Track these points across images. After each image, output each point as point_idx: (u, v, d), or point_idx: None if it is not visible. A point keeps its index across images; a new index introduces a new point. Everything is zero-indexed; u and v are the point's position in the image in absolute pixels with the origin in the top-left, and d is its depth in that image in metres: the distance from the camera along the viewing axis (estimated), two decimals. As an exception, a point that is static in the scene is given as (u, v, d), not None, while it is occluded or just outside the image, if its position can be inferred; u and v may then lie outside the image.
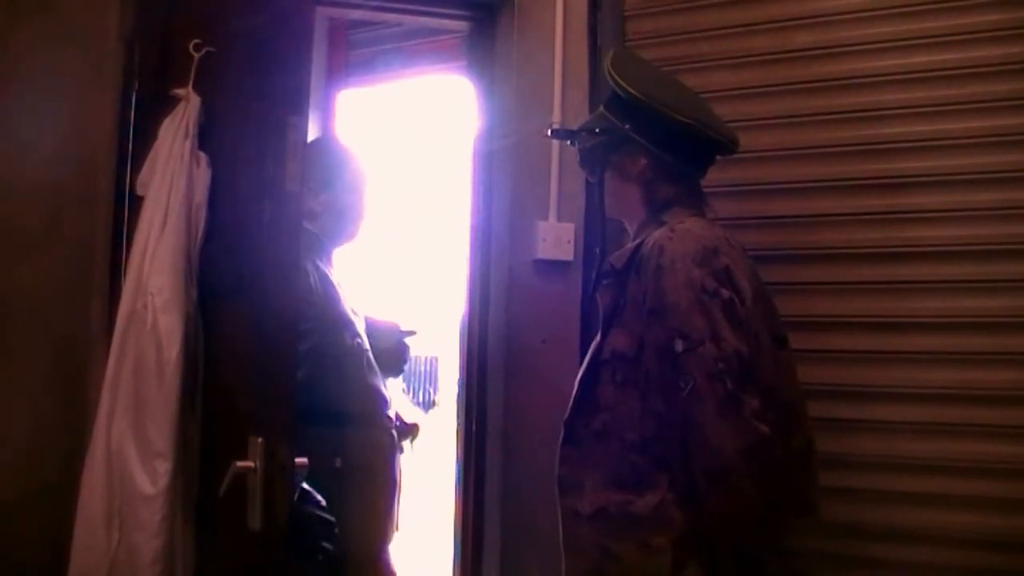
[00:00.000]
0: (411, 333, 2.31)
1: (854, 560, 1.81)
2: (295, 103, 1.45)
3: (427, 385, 12.23)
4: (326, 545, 1.65)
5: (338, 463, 1.91)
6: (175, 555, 1.50)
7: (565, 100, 2.18)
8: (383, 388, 2.13)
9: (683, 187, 1.66)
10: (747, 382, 1.42)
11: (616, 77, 1.62)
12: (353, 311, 2.10)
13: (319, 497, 1.67)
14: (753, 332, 1.51)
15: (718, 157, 1.69)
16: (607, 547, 1.50)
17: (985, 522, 1.74)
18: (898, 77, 1.89)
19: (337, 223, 2.11)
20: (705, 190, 1.71)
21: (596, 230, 1.72)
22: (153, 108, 1.71)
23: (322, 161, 2.09)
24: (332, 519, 1.68)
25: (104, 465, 1.54)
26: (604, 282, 1.62)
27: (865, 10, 1.93)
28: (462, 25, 2.34)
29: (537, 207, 2.17)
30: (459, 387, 2.31)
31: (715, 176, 1.71)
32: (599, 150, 1.70)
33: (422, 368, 12.08)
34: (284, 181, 1.42)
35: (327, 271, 2.07)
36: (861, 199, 1.91)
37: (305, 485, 1.62)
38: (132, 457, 1.51)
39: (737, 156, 1.71)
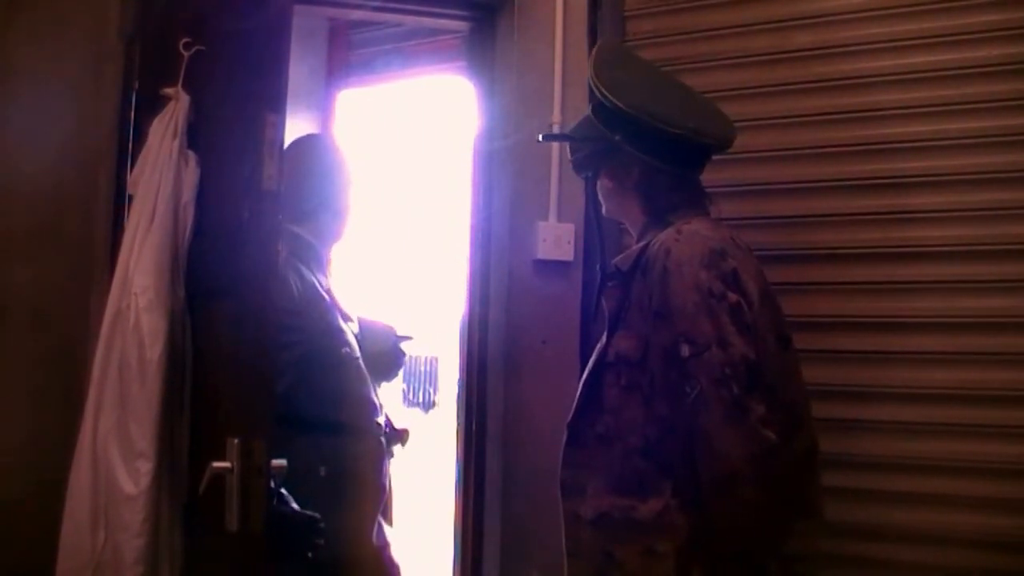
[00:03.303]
0: (407, 338, 2.27)
1: (854, 560, 1.81)
2: (273, 100, 1.44)
3: (427, 385, 12.25)
4: (317, 542, 1.64)
5: (323, 472, 1.89)
6: (159, 555, 1.48)
7: (565, 100, 2.17)
8: (373, 396, 2.07)
9: (682, 190, 1.63)
10: (754, 387, 1.40)
11: (601, 88, 1.57)
12: (345, 317, 2.06)
13: (291, 500, 1.66)
14: (760, 336, 1.49)
15: (715, 157, 1.67)
16: (610, 552, 1.49)
17: (985, 522, 1.74)
18: (897, 77, 1.89)
19: (329, 222, 2.09)
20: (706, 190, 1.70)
21: (593, 233, 1.70)
22: (153, 108, 1.71)
23: (309, 156, 2.07)
24: (316, 515, 1.66)
25: (90, 465, 1.52)
26: (609, 284, 1.59)
27: (864, 10, 1.93)
28: (462, 25, 2.33)
29: (537, 207, 2.16)
30: (459, 387, 2.30)
31: (714, 176, 1.70)
32: (592, 158, 1.67)
33: (422, 368, 12.11)
34: (262, 179, 1.41)
35: (317, 278, 2.02)
36: (861, 199, 1.91)
37: (283, 491, 1.62)
38: (115, 457, 1.49)
39: (736, 156, 1.71)
